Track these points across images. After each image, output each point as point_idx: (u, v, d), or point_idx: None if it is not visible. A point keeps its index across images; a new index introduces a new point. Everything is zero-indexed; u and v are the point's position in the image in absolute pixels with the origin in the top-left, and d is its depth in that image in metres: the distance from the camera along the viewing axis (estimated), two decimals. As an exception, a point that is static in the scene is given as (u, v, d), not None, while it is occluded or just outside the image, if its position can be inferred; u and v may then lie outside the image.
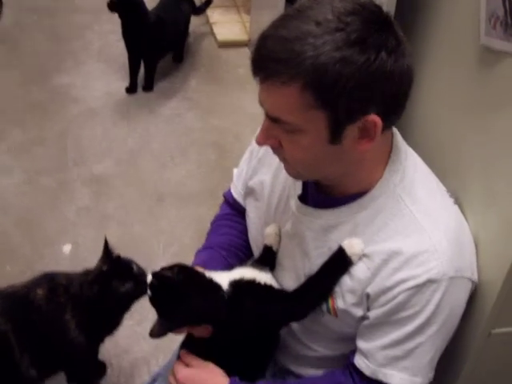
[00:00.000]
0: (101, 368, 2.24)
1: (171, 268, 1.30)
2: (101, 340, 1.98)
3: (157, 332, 1.31)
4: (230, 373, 1.38)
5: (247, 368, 1.41)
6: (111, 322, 1.95)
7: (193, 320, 1.31)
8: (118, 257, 1.84)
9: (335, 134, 1.09)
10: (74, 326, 1.84)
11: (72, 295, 1.84)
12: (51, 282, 1.88)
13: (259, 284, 1.33)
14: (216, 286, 1.30)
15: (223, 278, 1.33)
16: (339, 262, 1.25)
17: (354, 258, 1.23)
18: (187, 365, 1.40)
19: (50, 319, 1.84)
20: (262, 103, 1.13)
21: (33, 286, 1.87)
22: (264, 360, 1.47)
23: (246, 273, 1.35)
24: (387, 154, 1.24)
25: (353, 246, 1.23)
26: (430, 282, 1.16)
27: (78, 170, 3.09)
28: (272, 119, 1.12)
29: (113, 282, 1.79)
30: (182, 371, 1.38)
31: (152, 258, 2.65)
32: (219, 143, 3.30)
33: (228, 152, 3.23)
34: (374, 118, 1.07)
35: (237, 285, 1.32)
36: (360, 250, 1.22)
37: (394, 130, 1.27)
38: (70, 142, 3.29)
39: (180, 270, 1.29)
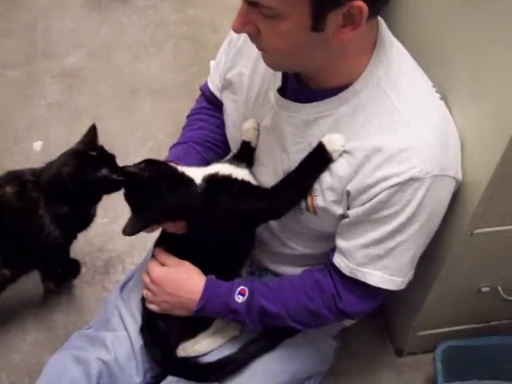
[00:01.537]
0: (75, 266, 2.22)
1: (139, 164, 1.27)
2: (74, 236, 1.93)
3: (130, 229, 1.29)
4: (205, 271, 1.39)
5: (223, 266, 1.41)
6: (84, 214, 1.88)
7: (165, 215, 1.29)
8: (102, 146, 1.76)
9: (317, 21, 1.02)
10: (49, 220, 1.78)
11: (43, 189, 1.76)
12: (19, 178, 1.80)
13: (235, 180, 1.31)
14: (188, 180, 1.28)
15: (197, 173, 1.31)
16: (319, 159, 1.21)
17: (334, 155, 1.19)
18: (162, 264, 1.41)
19: (22, 216, 1.78)
20: None
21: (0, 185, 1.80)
22: (240, 258, 1.47)
23: (221, 168, 1.33)
24: (372, 45, 1.17)
25: (333, 141, 1.19)
26: (412, 179, 1.13)
27: (48, 63, 2.97)
28: (250, 3, 1.04)
29: (91, 165, 1.70)
30: (157, 270, 1.40)
31: (127, 154, 2.57)
32: (195, 35, 3.18)
33: (205, 44, 3.11)
34: (360, 4, 1.00)
35: (211, 179, 1.30)
36: (340, 146, 1.18)
37: (380, 20, 1.20)
38: (38, 34, 3.16)
39: (148, 164, 1.27)
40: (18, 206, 1.77)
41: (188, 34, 3.19)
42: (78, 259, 2.23)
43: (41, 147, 2.64)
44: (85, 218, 1.89)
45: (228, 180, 1.31)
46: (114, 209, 2.24)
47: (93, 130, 1.76)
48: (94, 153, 1.72)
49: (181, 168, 1.31)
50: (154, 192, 1.25)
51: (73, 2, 3.35)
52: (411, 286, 1.31)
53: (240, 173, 1.34)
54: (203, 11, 3.28)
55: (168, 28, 3.22)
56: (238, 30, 1.11)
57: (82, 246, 2.20)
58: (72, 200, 1.77)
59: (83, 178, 1.68)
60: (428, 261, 1.38)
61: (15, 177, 1.82)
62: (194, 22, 3.24)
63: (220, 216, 1.29)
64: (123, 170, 1.26)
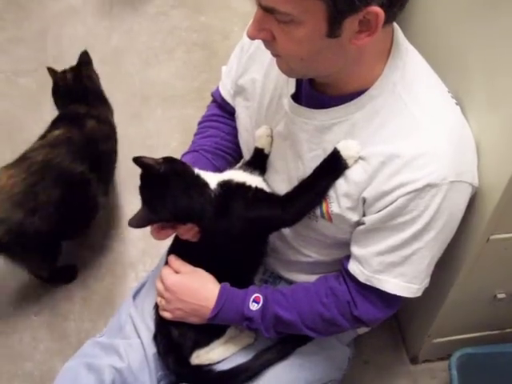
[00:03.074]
0: (72, 270, 2.25)
1: (158, 158, 1.27)
2: None
3: (136, 221, 1.29)
4: (219, 279, 1.38)
5: (236, 274, 1.40)
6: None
7: (175, 214, 1.28)
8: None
9: (334, 26, 1.01)
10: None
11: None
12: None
13: (249, 187, 1.30)
14: (203, 183, 1.28)
15: (212, 178, 1.30)
16: (334, 165, 1.21)
17: (349, 161, 1.19)
18: (176, 271, 1.40)
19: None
20: None
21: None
22: (253, 266, 1.47)
23: (235, 175, 1.33)
24: (387, 50, 1.17)
25: (349, 147, 1.18)
26: (429, 186, 1.12)
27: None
28: (265, 9, 1.04)
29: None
30: (171, 277, 1.40)
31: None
32: (206, 42, 3.17)
33: (216, 51, 3.10)
34: (376, 9, 0.99)
35: (225, 185, 1.30)
36: (356, 153, 1.18)
37: (395, 26, 1.19)
38: (49, 41, 3.16)
39: (166, 160, 1.27)
40: None
41: (199, 40, 3.18)
42: (92, 267, 2.22)
43: (51, 154, 2.62)
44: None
45: (242, 187, 1.30)
46: (126, 217, 2.24)
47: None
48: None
49: (197, 170, 1.30)
50: (166, 188, 1.25)
51: (84, 10, 3.35)
52: (427, 292, 1.29)
53: (254, 180, 1.33)
54: (214, 18, 3.27)
55: (179, 35, 3.21)
56: (253, 37, 1.10)
57: (94, 253, 2.19)
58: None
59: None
60: (444, 267, 1.37)
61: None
62: (204, 29, 3.23)
63: (233, 222, 1.28)
64: (140, 160, 1.25)
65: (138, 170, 1.27)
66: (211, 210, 1.26)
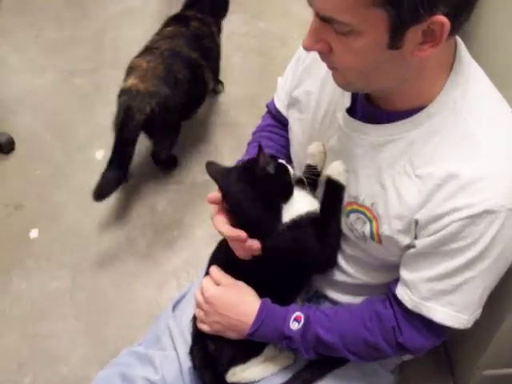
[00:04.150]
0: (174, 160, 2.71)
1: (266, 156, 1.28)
2: None
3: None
4: (260, 294, 1.35)
5: (280, 291, 1.37)
6: None
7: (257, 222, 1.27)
8: None
9: (395, 37, 0.96)
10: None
11: None
12: None
13: (315, 215, 1.30)
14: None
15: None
16: (333, 190, 1.25)
17: (341, 179, 1.23)
18: (217, 283, 1.38)
19: None
20: (310, 0, 0.99)
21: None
22: (298, 285, 1.43)
23: (307, 203, 1.31)
24: (449, 65, 1.11)
25: (333, 168, 1.24)
26: (486, 212, 1.05)
27: (115, 72, 2.92)
28: (323, 19, 0.99)
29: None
30: (211, 289, 1.38)
31: (189, 167, 2.65)
32: (264, 48, 3.17)
33: (273, 58, 3.09)
34: (442, 19, 0.93)
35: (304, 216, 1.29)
36: (342, 169, 1.23)
37: (458, 39, 1.13)
38: (106, 43, 3.21)
39: (278, 165, 1.28)
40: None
41: (256, 47, 3.18)
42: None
43: (102, 156, 2.65)
44: None
45: (314, 216, 1.29)
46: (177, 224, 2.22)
47: None
48: None
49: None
50: (265, 190, 1.25)
51: (142, 11, 3.39)
52: (478, 320, 1.22)
53: (316, 205, 1.32)
54: (273, 24, 3.25)
55: (236, 40, 3.21)
56: (309, 48, 1.06)
57: (136, 259, 2.17)
58: None
59: None
60: (498, 295, 1.29)
61: None
62: (262, 35, 3.23)
63: (293, 247, 1.27)
64: (248, 163, 1.28)
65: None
66: (284, 229, 1.26)
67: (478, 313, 1.20)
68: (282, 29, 3.20)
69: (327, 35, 1.01)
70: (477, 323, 1.22)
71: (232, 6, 3.29)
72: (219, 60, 2.81)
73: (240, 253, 1.32)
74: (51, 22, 3.33)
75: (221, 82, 2.98)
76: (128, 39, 3.19)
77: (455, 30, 1.01)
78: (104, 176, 2.28)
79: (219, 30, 2.81)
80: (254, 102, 2.78)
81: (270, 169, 1.25)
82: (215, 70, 2.79)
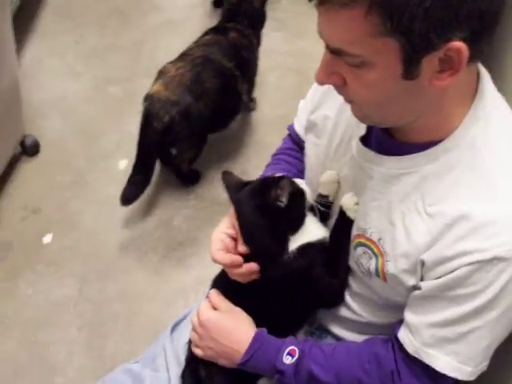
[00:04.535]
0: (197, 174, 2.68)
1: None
2: None
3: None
4: (260, 323, 1.31)
5: (279, 323, 1.32)
6: None
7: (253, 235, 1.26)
8: None
9: (410, 67, 0.92)
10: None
11: None
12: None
13: (324, 245, 1.28)
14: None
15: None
16: (342, 222, 1.23)
17: (348, 213, 1.20)
18: (214, 307, 1.35)
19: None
20: (320, 32, 0.98)
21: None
22: (299, 320, 1.39)
23: (317, 232, 1.29)
24: (471, 95, 1.04)
25: (347, 199, 1.21)
26: (497, 259, 0.98)
27: (149, 82, 2.91)
28: (333, 51, 0.97)
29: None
30: (207, 313, 1.34)
31: (211, 182, 2.64)
32: (301, 68, 3.13)
33: (310, 78, 2.99)
34: (458, 45, 0.89)
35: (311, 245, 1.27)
36: (351, 204, 1.20)
37: (482, 68, 1.07)
38: (144, 52, 3.23)
39: (291, 194, 1.24)
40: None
41: (295, 66, 3.16)
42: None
43: (125, 166, 2.63)
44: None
45: (322, 245, 1.27)
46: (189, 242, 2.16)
47: None
48: None
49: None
50: (275, 220, 1.23)
51: (183, 24, 3.40)
52: (487, 371, 1.13)
53: (326, 233, 1.28)
54: (313, 44, 3.16)
55: (275, 58, 3.19)
56: (322, 82, 1.03)
57: (147, 274, 2.12)
58: None
59: None
60: (504, 353, 1.19)
61: None
62: (301, 55, 3.20)
63: (298, 278, 1.25)
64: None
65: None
66: (290, 257, 1.24)
67: (483, 365, 1.11)
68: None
69: (340, 68, 0.99)
70: (485, 374, 1.13)
71: (274, 24, 3.28)
72: (256, 73, 2.78)
73: (236, 278, 1.30)
74: (92, 28, 3.36)
75: (254, 99, 2.92)
76: (166, 50, 3.15)
77: (475, 55, 0.96)
78: (130, 181, 2.32)
79: (258, 42, 2.79)
80: (286, 122, 2.68)
81: (283, 200, 1.22)
82: (251, 83, 2.75)
